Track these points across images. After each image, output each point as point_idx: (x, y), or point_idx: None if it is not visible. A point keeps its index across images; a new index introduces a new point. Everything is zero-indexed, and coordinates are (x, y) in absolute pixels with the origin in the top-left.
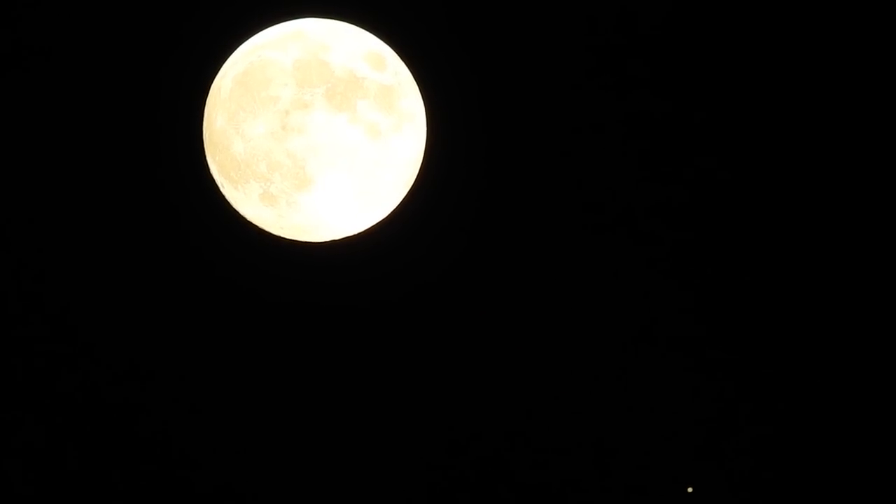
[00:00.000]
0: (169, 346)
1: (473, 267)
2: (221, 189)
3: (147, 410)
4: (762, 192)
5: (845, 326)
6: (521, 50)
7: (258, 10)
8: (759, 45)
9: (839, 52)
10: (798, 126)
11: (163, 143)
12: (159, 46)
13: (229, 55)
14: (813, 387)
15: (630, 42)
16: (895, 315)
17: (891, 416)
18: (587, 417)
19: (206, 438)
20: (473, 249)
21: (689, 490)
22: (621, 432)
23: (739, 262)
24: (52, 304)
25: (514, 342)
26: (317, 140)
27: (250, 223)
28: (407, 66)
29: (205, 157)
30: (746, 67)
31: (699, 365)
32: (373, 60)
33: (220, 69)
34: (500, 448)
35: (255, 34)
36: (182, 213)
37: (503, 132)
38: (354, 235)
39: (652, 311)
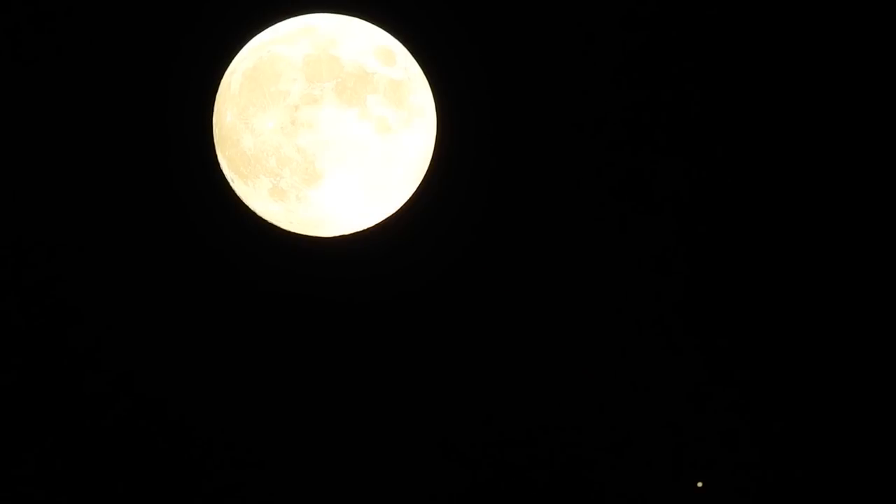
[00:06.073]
0: (178, 340)
1: (482, 262)
2: (231, 184)
3: (154, 404)
4: (774, 187)
5: (849, 324)
6: (530, 44)
7: (267, 5)
8: (766, 42)
9: (839, 50)
10: (810, 123)
11: (173, 139)
12: (169, 42)
13: (239, 50)
14: (818, 384)
15: (638, 38)
16: (893, 314)
17: (890, 416)
18: (594, 414)
19: (210, 435)
20: (482, 244)
21: (699, 485)
22: (629, 428)
23: (751, 258)
24: (60, 299)
25: (523, 337)
26: (326, 135)
27: (260, 218)
28: (416, 60)
29: (215, 152)
30: (754, 63)
31: (708, 361)
32: (382, 55)
33: (229, 64)
34: (505, 446)
35: (264, 29)
36: (192, 207)
37: (513, 127)
38: (364, 230)
39: (660, 306)
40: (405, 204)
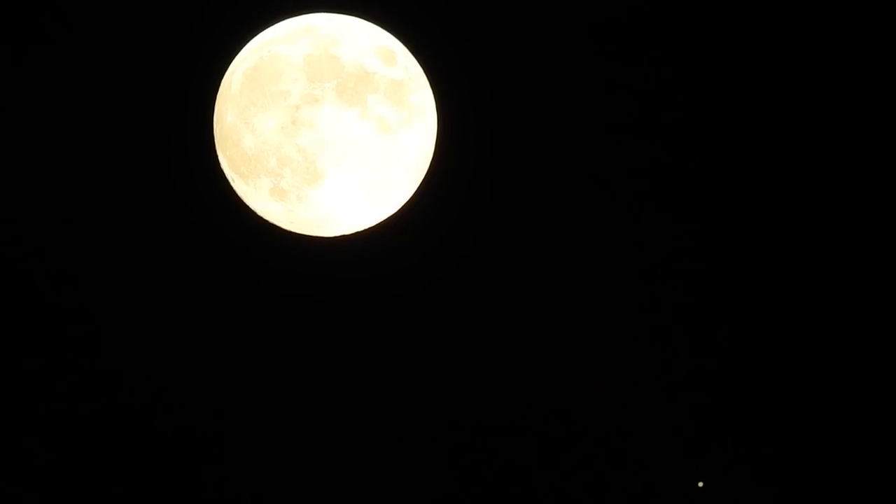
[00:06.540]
0: (179, 339)
1: (483, 262)
2: (232, 184)
3: (154, 404)
4: (770, 189)
5: (851, 325)
6: (530, 44)
7: (268, 5)
8: (766, 46)
9: (839, 52)
10: (810, 127)
11: (174, 139)
12: (170, 42)
13: (239, 50)
14: (819, 384)
15: (639, 39)
16: (892, 315)
17: (888, 414)
18: (595, 414)
19: (212, 434)
20: (483, 244)
21: (700, 484)
22: (630, 428)
23: (751, 259)
24: (61, 298)
25: (523, 338)
26: (327, 135)
27: (261, 218)
28: (417, 60)
29: (215, 152)
30: (758, 64)
31: (708, 361)
32: (383, 55)
33: (230, 64)
34: (505, 446)
35: (265, 29)
36: (193, 207)
37: (513, 127)
38: (364, 230)
39: (661, 305)
40: (406, 204)
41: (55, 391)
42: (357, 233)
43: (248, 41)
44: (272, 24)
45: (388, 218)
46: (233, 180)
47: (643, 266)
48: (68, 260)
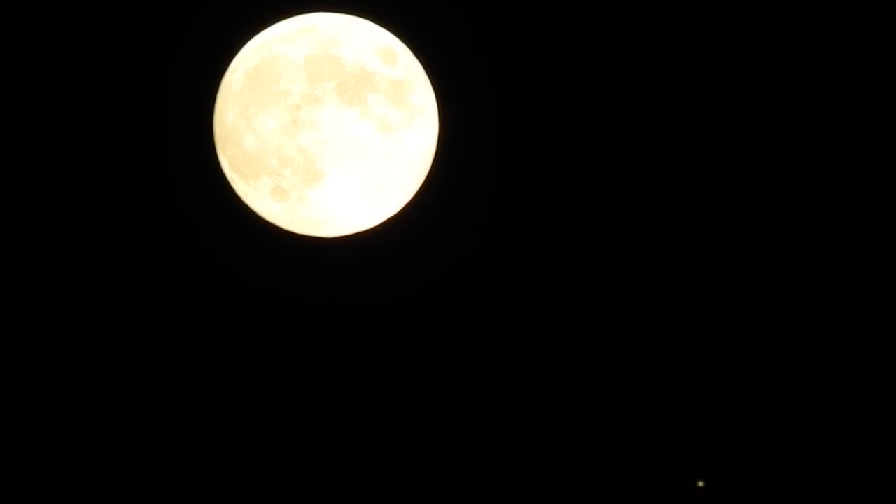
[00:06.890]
0: (179, 340)
1: (484, 262)
2: (232, 184)
3: (153, 404)
4: (773, 189)
5: (849, 326)
6: (531, 44)
7: (269, 4)
8: (767, 45)
9: (837, 51)
10: (807, 126)
11: (174, 139)
12: (170, 41)
13: (240, 50)
14: (819, 385)
15: (640, 39)
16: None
17: (888, 414)
18: (594, 414)
19: (212, 434)
20: (483, 245)
21: (700, 484)
22: (630, 428)
23: (752, 261)
24: (62, 299)
25: (523, 338)
26: (328, 135)
27: (261, 218)
28: (418, 60)
29: (216, 151)
30: (761, 66)
31: (709, 361)
32: (384, 55)
33: (230, 64)
34: (504, 446)
35: (265, 29)
36: (193, 207)
37: (514, 127)
38: (365, 230)
39: (661, 306)
40: (407, 203)
41: (54, 392)
42: (358, 233)
43: (248, 41)
44: (272, 24)
45: (389, 218)
46: (233, 180)
47: (643, 266)
48: (67, 260)
